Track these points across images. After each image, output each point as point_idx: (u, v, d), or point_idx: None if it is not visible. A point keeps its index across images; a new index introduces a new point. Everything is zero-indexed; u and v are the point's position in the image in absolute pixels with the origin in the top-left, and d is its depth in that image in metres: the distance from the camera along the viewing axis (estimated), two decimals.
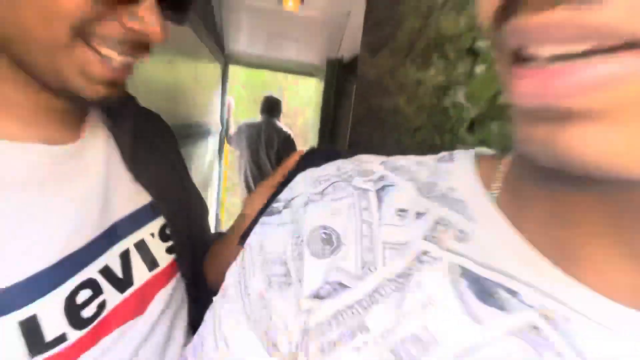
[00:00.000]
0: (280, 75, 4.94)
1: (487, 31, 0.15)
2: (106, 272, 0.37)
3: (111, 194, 0.39)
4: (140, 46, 0.33)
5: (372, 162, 0.27)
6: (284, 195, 0.28)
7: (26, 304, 0.31)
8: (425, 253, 0.21)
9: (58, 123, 0.35)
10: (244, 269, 0.26)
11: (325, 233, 0.24)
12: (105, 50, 0.31)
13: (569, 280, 0.17)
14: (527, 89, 0.12)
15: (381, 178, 0.25)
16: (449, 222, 0.21)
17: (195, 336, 0.29)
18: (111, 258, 0.38)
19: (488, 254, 0.19)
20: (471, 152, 0.25)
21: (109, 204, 0.38)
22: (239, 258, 0.28)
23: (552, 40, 0.12)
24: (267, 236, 0.26)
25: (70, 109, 0.35)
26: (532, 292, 0.18)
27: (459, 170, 0.24)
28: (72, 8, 0.27)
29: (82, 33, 0.29)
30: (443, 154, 0.26)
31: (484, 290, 0.18)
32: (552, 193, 0.18)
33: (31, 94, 0.32)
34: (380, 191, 0.25)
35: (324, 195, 0.25)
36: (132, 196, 0.41)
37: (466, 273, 0.19)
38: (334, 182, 0.26)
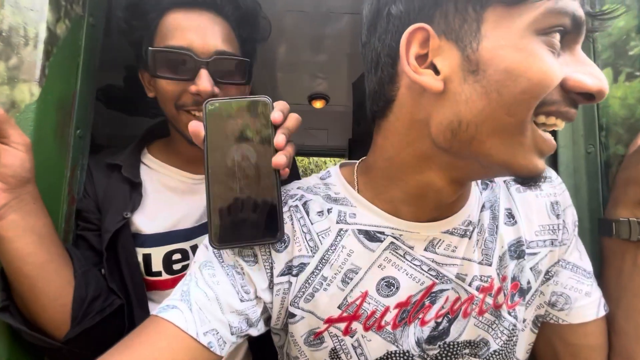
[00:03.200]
0: (314, 158, 5.66)
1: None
2: (194, 248, 0.67)
3: None
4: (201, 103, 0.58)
5: (293, 188, 0.48)
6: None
7: (150, 247, 0.64)
8: (340, 230, 0.43)
9: (197, 161, 0.70)
10: (218, 250, 0.43)
11: None
12: (193, 111, 0.60)
13: (400, 220, 0.42)
14: (548, 144, 0.34)
15: (301, 197, 0.46)
16: (345, 212, 0.44)
17: (176, 288, 0.42)
18: (198, 242, 0.66)
19: (367, 219, 0.43)
20: (336, 167, 0.48)
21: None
22: (209, 243, 0.42)
23: (570, 120, 0.34)
24: None
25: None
26: (388, 229, 0.42)
27: (335, 180, 0.47)
28: (163, 92, 0.59)
29: (178, 106, 0.59)
30: (322, 173, 0.49)
31: (371, 236, 0.43)
32: (408, 185, 0.41)
33: (184, 145, 0.67)
34: (304, 204, 0.45)
35: None
36: None
37: (361, 231, 0.43)
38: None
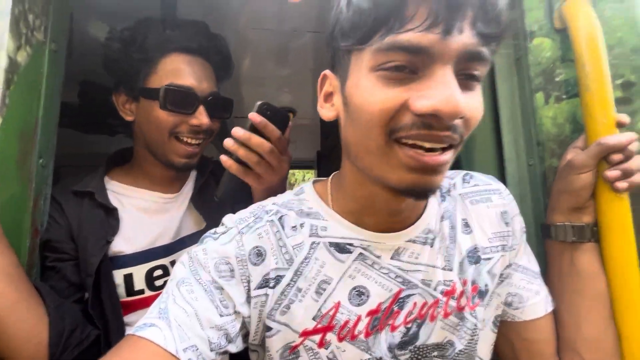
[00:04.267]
0: None
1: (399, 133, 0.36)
2: (174, 263, 0.70)
3: (184, 220, 0.73)
4: (204, 134, 0.71)
5: (269, 204, 0.50)
6: (219, 229, 0.48)
7: (131, 266, 0.66)
8: (313, 243, 0.46)
9: (169, 181, 0.76)
10: (193, 268, 0.44)
11: (257, 251, 0.46)
12: (188, 139, 0.69)
13: (366, 232, 0.45)
14: (413, 159, 0.36)
15: (277, 212, 0.48)
16: (317, 225, 0.47)
17: (152, 307, 0.42)
18: (177, 257, 0.68)
19: (338, 232, 0.46)
20: (310, 183, 0.51)
21: (182, 226, 0.73)
22: (184, 260, 0.45)
23: (436, 143, 0.36)
24: (215, 249, 0.45)
25: (174, 174, 0.76)
26: (356, 240, 0.46)
27: (309, 196, 0.50)
28: (162, 122, 0.66)
29: (173, 133, 0.67)
30: (296, 189, 0.52)
31: (341, 248, 0.46)
32: (359, 197, 0.45)
33: (157, 167, 0.72)
34: (279, 219, 0.48)
35: (250, 227, 0.47)
36: (196, 222, 0.75)
37: (332, 244, 0.46)
38: (254, 219, 0.48)
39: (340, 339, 0.44)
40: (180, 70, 0.66)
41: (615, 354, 0.47)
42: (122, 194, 0.71)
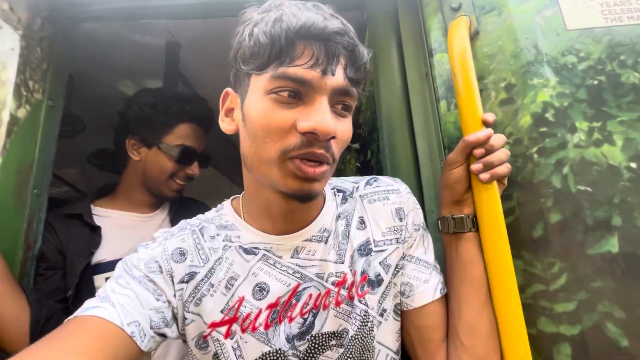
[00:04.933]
0: None
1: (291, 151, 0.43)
2: None
3: None
4: (190, 178, 0.95)
5: (194, 219, 0.57)
6: (150, 241, 0.54)
7: (110, 270, 0.80)
8: (225, 246, 0.52)
9: (148, 205, 0.92)
10: (127, 268, 0.49)
11: (180, 251, 0.52)
12: (179, 181, 0.87)
13: (269, 236, 0.52)
14: (299, 170, 0.43)
15: (199, 224, 0.55)
16: (231, 235, 0.53)
17: (90, 300, 0.46)
18: None
19: (247, 238, 0.52)
20: (229, 200, 0.58)
21: None
22: (120, 264, 0.51)
23: (314, 159, 0.43)
24: (145, 252, 0.51)
25: (155, 200, 0.93)
26: (261, 244, 0.52)
27: (226, 211, 0.56)
28: (168, 168, 0.85)
29: (171, 176, 0.86)
30: (218, 206, 0.59)
31: (248, 250, 0.52)
32: (259, 203, 0.52)
33: (143, 194, 0.89)
34: (200, 229, 0.54)
35: (174, 235, 0.54)
36: None
37: (242, 248, 0.53)
38: (178, 230, 0.55)
39: (243, 330, 0.49)
40: (189, 135, 0.94)
41: (490, 337, 0.49)
42: (105, 216, 0.87)
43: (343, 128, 0.46)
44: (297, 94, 0.43)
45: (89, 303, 0.45)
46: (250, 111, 0.45)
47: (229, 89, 0.52)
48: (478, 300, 0.50)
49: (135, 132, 0.93)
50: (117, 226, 0.87)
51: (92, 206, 0.89)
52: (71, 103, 0.99)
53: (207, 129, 1.00)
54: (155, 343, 0.47)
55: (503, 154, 0.52)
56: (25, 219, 0.71)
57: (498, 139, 0.52)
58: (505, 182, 0.55)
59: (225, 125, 0.52)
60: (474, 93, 0.55)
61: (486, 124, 0.54)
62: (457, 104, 0.57)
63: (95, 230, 0.83)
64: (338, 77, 0.43)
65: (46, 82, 0.78)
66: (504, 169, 0.51)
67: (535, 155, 0.56)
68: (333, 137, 0.43)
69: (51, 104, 0.79)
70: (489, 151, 0.51)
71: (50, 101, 0.79)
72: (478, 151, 0.51)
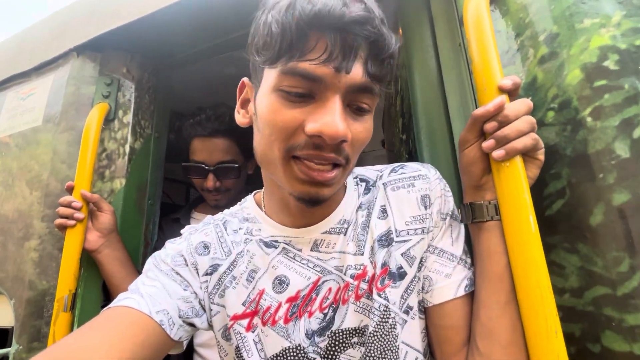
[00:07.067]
0: None
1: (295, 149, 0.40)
2: None
3: None
4: (216, 191, 1.05)
5: (219, 215, 0.58)
6: (177, 237, 0.57)
7: None
8: (246, 239, 0.53)
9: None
10: (156, 262, 0.52)
11: (203, 244, 0.54)
12: (209, 195, 1.03)
13: (288, 229, 0.51)
14: (304, 174, 0.41)
15: (222, 218, 0.57)
16: (252, 228, 0.54)
17: (123, 293, 0.48)
18: None
19: (267, 231, 0.53)
20: (252, 194, 0.58)
21: None
22: (149, 259, 0.53)
23: (323, 161, 0.40)
24: (172, 247, 0.54)
25: (222, 208, 1.02)
26: (281, 237, 0.53)
27: (249, 204, 0.57)
28: (195, 184, 1.01)
29: (203, 189, 1.00)
30: (243, 200, 0.59)
31: (267, 244, 0.54)
32: (277, 199, 0.52)
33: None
34: (224, 223, 0.56)
35: (198, 230, 0.56)
36: None
37: (262, 241, 0.53)
38: (202, 225, 0.57)
39: (264, 323, 0.48)
40: (197, 149, 1.04)
41: (511, 346, 0.39)
42: (198, 220, 1.07)
43: (359, 128, 0.41)
44: (308, 92, 0.39)
45: (121, 295, 0.47)
46: (260, 106, 0.42)
47: (245, 79, 0.49)
48: (498, 301, 0.42)
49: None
50: None
51: (193, 211, 1.11)
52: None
53: (231, 135, 1.02)
54: (185, 332, 0.48)
55: (523, 123, 0.42)
56: (144, 222, 0.96)
57: (516, 106, 0.42)
58: (541, 156, 0.44)
59: (240, 117, 0.49)
60: (489, 55, 0.46)
61: (505, 91, 0.44)
62: (473, 72, 0.49)
63: None
64: (355, 74, 0.38)
65: (153, 119, 1.04)
66: (526, 141, 0.42)
67: (589, 119, 0.43)
68: (344, 141, 0.39)
69: (157, 136, 1.04)
70: (503, 123, 0.42)
71: (156, 134, 1.04)
72: (489, 125, 0.43)
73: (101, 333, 0.40)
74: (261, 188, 0.58)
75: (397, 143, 0.91)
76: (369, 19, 0.36)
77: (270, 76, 0.40)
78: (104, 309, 0.46)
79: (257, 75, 0.44)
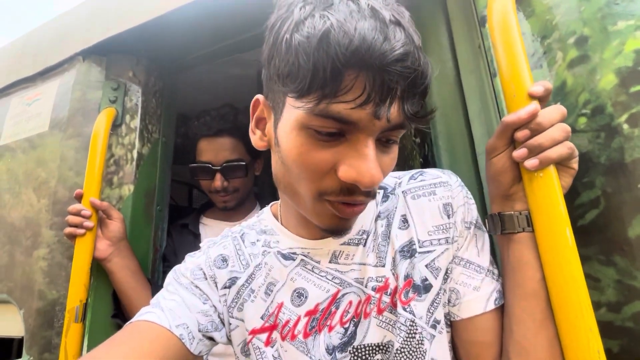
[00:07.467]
0: None
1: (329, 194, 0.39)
2: None
3: None
4: (224, 192, 1.03)
5: (237, 227, 0.58)
6: (199, 250, 0.57)
7: None
8: (264, 252, 0.52)
9: (232, 215, 1.09)
10: (176, 276, 0.52)
11: (222, 257, 0.53)
12: (217, 195, 1.01)
13: (306, 240, 0.50)
14: (336, 212, 0.40)
15: (240, 231, 0.56)
16: (270, 240, 0.53)
17: (145, 307, 0.48)
18: None
19: (285, 244, 0.51)
20: (269, 206, 0.58)
21: None
22: (170, 273, 0.53)
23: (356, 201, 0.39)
24: (191, 261, 0.53)
25: (233, 212, 1.08)
26: (299, 249, 0.52)
27: (266, 216, 0.56)
28: (201, 185, 1.01)
29: (209, 191, 1.00)
30: (260, 211, 0.59)
31: (285, 256, 0.53)
32: (295, 214, 0.50)
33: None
34: (242, 236, 0.55)
35: (216, 243, 0.56)
36: None
37: (280, 253, 0.51)
38: (220, 238, 0.56)
39: (283, 338, 0.47)
40: (203, 150, 1.03)
41: None
42: (207, 225, 1.07)
43: (387, 161, 0.39)
44: (339, 132, 0.36)
45: (143, 309, 0.48)
46: (284, 140, 0.39)
47: (260, 97, 0.45)
48: (533, 318, 0.40)
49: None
50: (213, 234, 1.02)
51: (202, 217, 1.10)
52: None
53: (237, 134, 1.02)
54: (205, 346, 0.48)
55: (558, 131, 0.40)
56: (153, 228, 0.94)
57: (550, 113, 0.41)
58: (575, 165, 0.42)
59: (257, 139, 0.46)
60: (517, 60, 0.44)
61: (536, 97, 0.42)
62: (499, 77, 0.47)
63: (197, 237, 1.03)
64: (391, 115, 0.34)
65: (160, 123, 1.02)
66: (561, 150, 0.40)
67: (626, 126, 0.41)
68: None
69: (164, 140, 1.03)
70: (536, 131, 0.40)
71: (164, 138, 1.02)
72: (521, 133, 0.41)
73: (121, 347, 0.41)
74: (268, 188, 0.57)
75: (409, 145, 0.89)
76: (410, 53, 0.33)
77: (295, 110, 0.36)
78: (127, 323, 0.46)
79: (276, 99, 0.40)
